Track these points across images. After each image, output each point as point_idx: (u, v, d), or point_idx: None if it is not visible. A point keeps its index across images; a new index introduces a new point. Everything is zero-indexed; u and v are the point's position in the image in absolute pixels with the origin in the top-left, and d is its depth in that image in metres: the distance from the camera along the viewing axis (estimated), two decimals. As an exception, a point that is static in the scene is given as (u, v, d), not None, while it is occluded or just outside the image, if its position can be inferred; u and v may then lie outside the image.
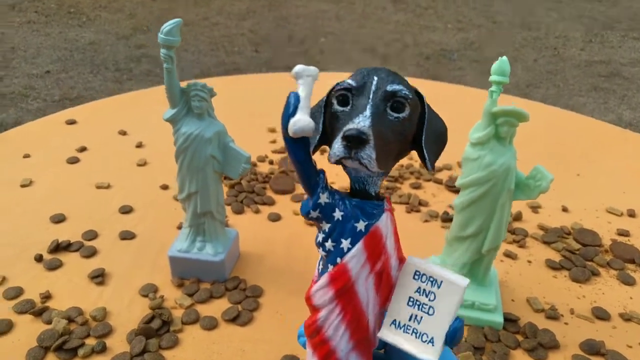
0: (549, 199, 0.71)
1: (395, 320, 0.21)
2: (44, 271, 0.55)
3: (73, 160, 0.76)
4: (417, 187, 0.74)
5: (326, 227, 0.22)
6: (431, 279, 0.21)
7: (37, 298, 0.51)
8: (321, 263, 0.22)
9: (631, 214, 0.69)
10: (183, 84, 0.49)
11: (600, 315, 0.52)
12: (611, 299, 0.55)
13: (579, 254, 0.61)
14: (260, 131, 0.88)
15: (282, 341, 0.46)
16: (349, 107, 0.21)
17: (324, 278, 0.21)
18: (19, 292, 0.52)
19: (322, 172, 0.22)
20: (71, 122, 0.87)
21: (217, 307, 0.51)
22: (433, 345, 0.20)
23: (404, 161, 0.80)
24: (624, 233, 0.65)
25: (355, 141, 0.19)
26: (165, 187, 0.71)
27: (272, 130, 0.88)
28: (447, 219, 0.66)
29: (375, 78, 0.21)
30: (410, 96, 0.21)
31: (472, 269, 0.50)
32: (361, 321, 0.21)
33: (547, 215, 0.69)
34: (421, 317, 0.21)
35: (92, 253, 0.57)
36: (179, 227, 0.62)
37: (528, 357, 0.47)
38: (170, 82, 0.47)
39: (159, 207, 0.67)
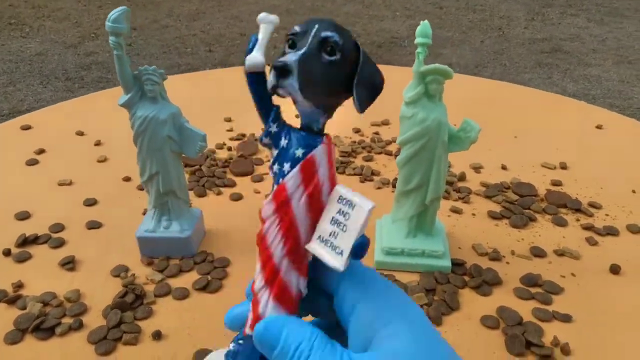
0: (489, 159, 0.77)
1: (320, 236, 0.25)
2: (14, 264, 0.56)
3: (32, 162, 0.77)
4: (369, 159, 0.78)
5: (274, 152, 0.26)
6: (348, 202, 0.25)
7: (9, 288, 0.53)
8: (272, 186, 0.26)
9: (563, 167, 0.76)
10: (134, 70, 0.51)
11: (537, 253, 0.58)
12: (547, 239, 0.60)
13: (518, 204, 0.66)
14: (217, 121, 0.91)
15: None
16: (294, 50, 0.25)
17: (270, 195, 0.25)
18: (-10, 284, 0.53)
19: (277, 107, 0.26)
20: (26, 128, 0.88)
21: (187, 279, 0.54)
22: (342, 256, 0.24)
23: (356, 137, 0.85)
24: (557, 183, 0.71)
25: (278, 71, 0.23)
26: (127, 179, 0.73)
27: (228, 120, 0.91)
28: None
29: (317, 26, 0.24)
30: (341, 42, 0.24)
31: (419, 220, 0.55)
32: (292, 231, 0.25)
33: (489, 174, 0.74)
34: (337, 233, 0.25)
35: (60, 243, 0.59)
36: (144, 214, 0.65)
37: (475, 293, 0.52)
38: (122, 69, 0.50)
39: (122, 197, 0.69)
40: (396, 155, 0.79)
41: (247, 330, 0.26)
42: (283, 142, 0.26)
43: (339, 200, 0.25)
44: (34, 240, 0.60)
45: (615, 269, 0.54)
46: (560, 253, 0.57)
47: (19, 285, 0.53)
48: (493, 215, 0.64)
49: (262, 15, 0.25)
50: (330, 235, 0.25)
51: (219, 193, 0.70)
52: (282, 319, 0.25)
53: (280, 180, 0.25)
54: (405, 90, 0.49)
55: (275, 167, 0.26)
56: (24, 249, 0.59)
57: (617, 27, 3.37)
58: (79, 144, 0.83)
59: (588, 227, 0.61)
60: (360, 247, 0.25)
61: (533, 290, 0.52)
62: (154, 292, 0.52)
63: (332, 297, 0.27)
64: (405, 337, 0.22)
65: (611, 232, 0.61)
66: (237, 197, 0.69)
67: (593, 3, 3.87)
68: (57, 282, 0.54)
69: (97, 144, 0.83)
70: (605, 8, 3.76)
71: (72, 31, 3.24)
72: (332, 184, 0.27)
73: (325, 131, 0.27)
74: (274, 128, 0.26)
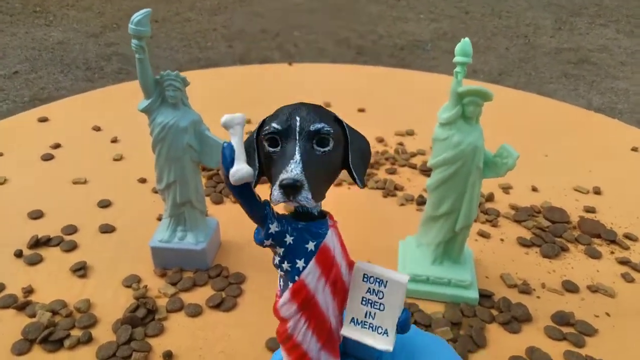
0: (519, 179, 0.74)
1: (353, 318, 0.24)
2: (25, 266, 0.55)
3: (47, 157, 0.75)
4: (392, 172, 0.75)
5: (280, 251, 0.24)
6: (378, 280, 0.24)
7: (19, 293, 0.51)
8: (281, 280, 0.25)
9: (597, 192, 0.72)
10: (156, 74, 0.49)
11: (570, 288, 0.54)
12: (579, 272, 0.57)
13: (549, 231, 0.63)
14: (237, 123, 0.88)
15: (266, 325, 0.48)
16: (279, 148, 0.23)
17: (287, 294, 0.24)
18: (0, 288, 0.51)
19: (267, 203, 0.24)
20: (43, 120, 0.86)
21: (201, 295, 0.52)
22: (387, 335, 0.23)
23: (380, 148, 0.82)
24: (590, 210, 0.68)
25: (291, 189, 0.21)
26: (143, 181, 0.71)
27: (248, 122, 0.89)
28: (422, 202, 0.68)
29: (298, 119, 0.23)
30: (332, 131, 0.23)
31: (446, 247, 0.52)
32: (325, 325, 0.24)
33: (518, 195, 0.71)
34: (374, 313, 0.24)
35: (72, 247, 0.58)
36: (159, 219, 0.63)
37: (503, 330, 0.49)
38: (144, 73, 0.48)
39: (137, 200, 0.67)
40: (421, 170, 0.76)
41: None
42: (289, 239, 0.24)
43: (365, 279, 0.24)
44: (46, 242, 0.58)
45: (653, 310, 0.51)
46: (594, 289, 0.54)
47: (29, 291, 0.51)
48: (523, 243, 0.61)
49: (227, 119, 0.23)
50: (366, 316, 0.24)
51: (236, 201, 0.67)
52: None
53: (296, 277, 0.24)
54: (441, 111, 0.46)
55: (285, 265, 0.24)
56: (35, 250, 0.57)
57: (647, 40, 3.28)
58: (95, 139, 0.81)
59: (624, 262, 0.58)
60: (405, 323, 0.23)
61: (565, 329, 0.49)
62: (167, 306, 0.50)
63: None
64: None
65: (649, 268, 0.57)
66: (255, 207, 0.66)
67: (623, 14, 3.78)
68: (67, 290, 0.52)
69: (114, 140, 0.81)
70: (636, 19, 3.67)
71: (95, 21, 3.25)
72: (348, 261, 0.25)
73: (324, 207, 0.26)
74: (274, 228, 0.24)
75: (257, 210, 0.24)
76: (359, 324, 0.24)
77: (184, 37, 3.05)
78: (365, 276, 0.24)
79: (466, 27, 3.45)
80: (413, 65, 2.79)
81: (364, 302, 0.24)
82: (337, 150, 0.24)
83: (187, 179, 0.52)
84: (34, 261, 0.55)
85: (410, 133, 0.87)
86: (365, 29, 3.35)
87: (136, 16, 0.45)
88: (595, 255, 0.59)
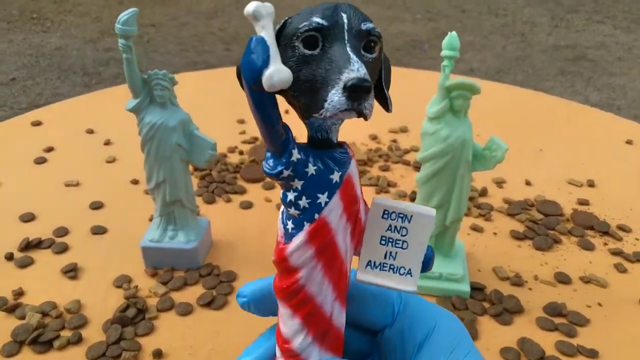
0: (513, 174, 0.73)
1: (370, 261, 0.22)
2: (15, 269, 0.55)
3: (40, 161, 0.75)
4: (385, 169, 0.75)
5: (299, 184, 0.20)
6: (401, 215, 0.21)
7: (9, 295, 0.51)
8: (290, 222, 0.21)
9: (590, 184, 0.72)
10: (144, 74, 0.49)
11: (562, 279, 0.54)
12: (572, 264, 0.57)
13: (542, 223, 0.63)
14: (230, 123, 0.89)
15: (257, 322, 0.47)
16: (318, 50, 0.19)
17: (301, 236, 0.20)
18: (-10, 290, 0.51)
19: (288, 126, 0.20)
20: (37, 124, 0.87)
21: (191, 294, 0.52)
22: (411, 276, 0.21)
23: (373, 145, 0.82)
24: (584, 202, 0.68)
25: (362, 91, 0.17)
26: (135, 182, 0.71)
27: (241, 122, 0.89)
28: (415, 197, 0.68)
29: (344, 15, 0.19)
30: (380, 34, 0.19)
31: (437, 241, 0.52)
32: (342, 270, 0.21)
33: (512, 189, 0.71)
34: (396, 253, 0.21)
35: (63, 249, 0.57)
36: (151, 220, 0.63)
37: (494, 322, 0.49)
38: (131, 72, 0.48)
39: (129, 201, 0.67)
40: (415, 166, 0.76)
41: None
42: (311, 169, 0.20)
43: (385, 216, 0.21)
44: (38, 244, 0.58)
45: (646, 301, 0.51)
46: (586, 280, 0.54)
47: (19, 293, 0.51)
48: (516, 236, 0.61)
49: (256, 6, 0.17)
50: (385, 257, 0.21)
51: (228, 200, 0.67)
52: None
53: (316, 215, 0.20)
54: (429, 105, 0.46)
55: (303, 201, 0.20)
56: (26, 253, 0.57)
57: (644, 36, 3.28)
58: (89, 142, 0.82)
59: (617, 253, 0.58)
60: (430, 260, 0.22)
61: (557, 320, 0.49)
62: (157, 305, 0.50)
63: (365, 334, 0.25)
64: None
65: (642, 258, 0.57)
66: (246, 205, 0.66)
67: (619, 10, 3.78)
68: (58, 291, 0.52)
69: (107, 143, 0.81)
70: (633, 15, 3.67)
71: (92, 26, 3.26)
72: (364, 199, 0.22)
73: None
74: (296, 155, 0.20)
75: (279, 132, 0.19)
76: (376, 267, 0.21)
77: (180, 41, 3.05)
78: (386, 212, 0.21)
79: (463, 26, 3.45)
80: (410, 66, 2.79)
81: (383, 242, 0.21)
82: (377, 61, 0.20)
83: (176, 178, 0.52)
84: (25, 264, 0.55)
85: (403, 130, 0.87)
86: (362, 29, 3.35)
87: (123, 16, 0.45)
88: (588, 246, 0.59)
